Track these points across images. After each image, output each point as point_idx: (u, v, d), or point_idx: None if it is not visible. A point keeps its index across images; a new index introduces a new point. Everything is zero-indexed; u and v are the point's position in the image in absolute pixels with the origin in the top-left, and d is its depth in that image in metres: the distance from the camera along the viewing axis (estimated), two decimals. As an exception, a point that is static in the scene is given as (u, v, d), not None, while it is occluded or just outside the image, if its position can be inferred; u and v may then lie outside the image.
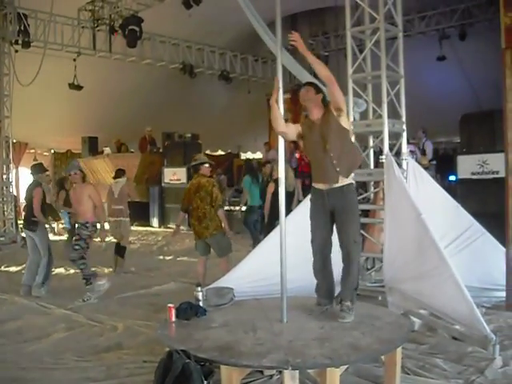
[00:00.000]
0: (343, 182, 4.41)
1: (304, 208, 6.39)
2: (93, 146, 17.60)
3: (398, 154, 6.36)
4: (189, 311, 4.57)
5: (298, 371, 3.54)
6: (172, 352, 3.49)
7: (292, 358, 3.50)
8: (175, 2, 12.79)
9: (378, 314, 4.59)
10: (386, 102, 5.97)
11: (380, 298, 6.20)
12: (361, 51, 6.42)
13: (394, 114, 6.29)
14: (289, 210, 7.70)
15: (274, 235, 6.32)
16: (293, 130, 4.62)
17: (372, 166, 6.53)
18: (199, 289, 4.87)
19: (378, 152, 6.46)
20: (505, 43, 5.71)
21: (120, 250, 9.27)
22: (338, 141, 4.40)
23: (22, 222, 9.51)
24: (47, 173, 8.03)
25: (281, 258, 4.51)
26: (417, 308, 5.49)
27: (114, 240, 9.55)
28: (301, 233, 6.05)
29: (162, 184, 16.14)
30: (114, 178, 9.56)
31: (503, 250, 6.52)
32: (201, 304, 4.79)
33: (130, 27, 12.68)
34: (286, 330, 4.14)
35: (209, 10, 13.81)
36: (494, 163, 10.01)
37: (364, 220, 6.48)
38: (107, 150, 16.92)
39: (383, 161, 6.05)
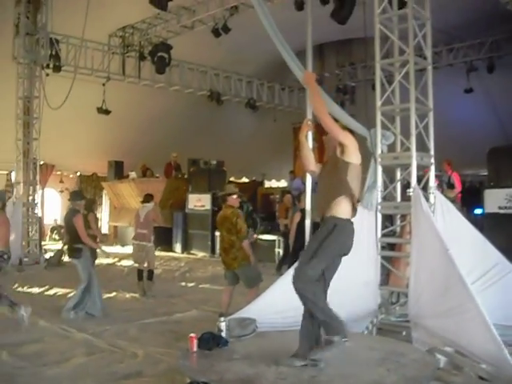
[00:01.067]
0: (330, 213, 4.36)
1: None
2: (119, 170, 17.80)
3: (424, 188, 6.28)
4: (211, 341, 4.55)
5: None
6: (193, 383, 3.45)
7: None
8: (204, 30, 12.98)
9: (402, 351, 4.52)
10: (415, 135, 5.92)
11: (404, 334, 6.06)
12: (389, 83, 6.40)
13: (421, 146, 6.24)
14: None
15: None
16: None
17: (399, 199, 6.46)
18: (222, 319, 4.84)
19: (406, 185, 6.39)
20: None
21: (148, 273, 9.39)
22: (333, 174, 4.44)
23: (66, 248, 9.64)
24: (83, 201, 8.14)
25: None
26: (442, 345, 5.35)
27: (136, 265, 9.58)
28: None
29: (186, 210, 16.17)
30: (142, 202, 9.65)
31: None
32: (223, 334, 4.75)
33: (159, 54, 12.90)
34: (309, 366, 4.06)
35: (237, 39, 13.99)
36: (523, 200, 9.87)
37: (390, 253, 6.41)
38: (133, 174, 17.08)
39: (411, 194, 5.97)
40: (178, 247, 16.44)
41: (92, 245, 7.74)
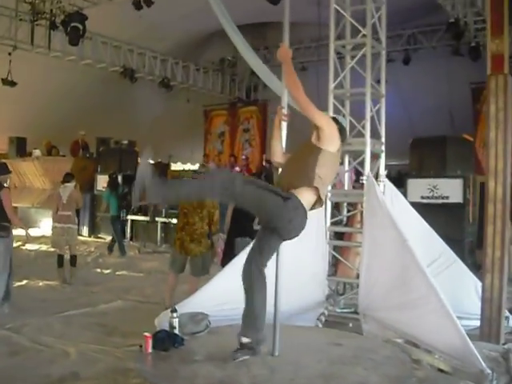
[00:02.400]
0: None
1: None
2: (21, 147, 16.40)
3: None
4: (166, 341, 4.09)
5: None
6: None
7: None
8: (123, 1, 12.15)
9: (370, 347, 4.31)
10: (369, 121, 5.73)
11: (351, 325, 5.91)
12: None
13: (371, 133, 6.06)
14: (251, 228, 7.36)
15: (243, 256, 5.93)
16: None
17: (346, 187, 6.27)
18: (175, 315, 4.38)
19: (357, 172, 6.22)
20: (490, 70, 5.60)
21: (72, 259, 8.79)
22: (302, 158, 4.14)
23: None
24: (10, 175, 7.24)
25: (276, 285, 4.12)
26: (395, 337, 5.23)
27: (52, 249, 8.82)
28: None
29: (95, 191, 15.30)
30: (63, 182, 8.93)
31: (474, 277, 6.46)
32: (176, 332, 4.31)
33: (73, 24, 11.89)
34: (282, 366, 3.75)
35: (155, 15, 13.26)
36: (444, 188, 10.12)
37: (340, 243, 6.22)
38: (37, 152, 15.83)
39: (364, 182, 5.78)
40: (84, 230, 15.50)
41: (21, 225, 6.95)
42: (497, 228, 5.63)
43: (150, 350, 3.99)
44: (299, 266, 5.75)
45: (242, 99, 20.02)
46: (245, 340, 3.88)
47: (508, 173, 5.64)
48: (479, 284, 6.36)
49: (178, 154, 21.84)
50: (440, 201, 10.04)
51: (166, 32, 15.61)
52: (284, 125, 4.58)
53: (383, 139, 6.08)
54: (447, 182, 10.05)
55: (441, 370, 4.72)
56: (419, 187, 10.14)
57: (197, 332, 4.52)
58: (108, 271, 10.05)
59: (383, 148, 6.11)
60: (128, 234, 14.61)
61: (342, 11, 5.93)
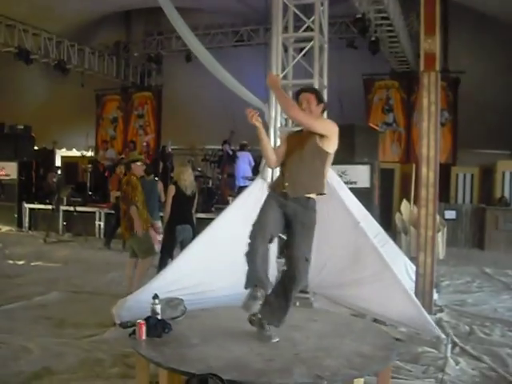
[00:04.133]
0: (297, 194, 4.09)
1: (230, 213, 6.25)
2: None
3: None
4: (159, 328, 4.14)
5: (329, 385, 3.41)
6: (206, 377, 3.12)
7: (319, 372, 3.36)
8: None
9: (343, 321, 4.65)
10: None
11: (298, 304, 6.25)
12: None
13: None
14: (191, 216, 7.45)
15: (198, 242, 6.05)
16: (281, 155, 4.29)
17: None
18: (157, 301, 4.42)
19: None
20: (423, 67, 6.14)
21: None
22: (311, 159, 4.10)
23: None
24: None
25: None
26: (347, 313, 5.65)
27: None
28: (225, 241, 5.94)
29: (-16, 180, 14.41)
30: None
31: (404, 257, 7.07)
32: (159, 318, 4.36)
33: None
34: (278, 343, 3.95)
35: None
36: (352, 174, 10.78)
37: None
38: None
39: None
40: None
41: None
42: (429, 210, 6.22)
43: (144, 337, 4.01)
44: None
45: (136, 84, 19.67)
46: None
47: (438, 160, 6.26)
48: (408, 262, 7.01)
49: (66, 140, 20.99)
50: (349, 186, 10.67)
51: (59, 12, 14.97)
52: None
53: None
54: (355, 168, 10.72)
55: (397, 339, 5.21)
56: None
57: (176, 317, 4.57)
58: (22, 262, 9.64)
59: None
60: (26, 224, 14.00)
61: (288, 4, 6.16)
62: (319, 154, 4.08)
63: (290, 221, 4.12)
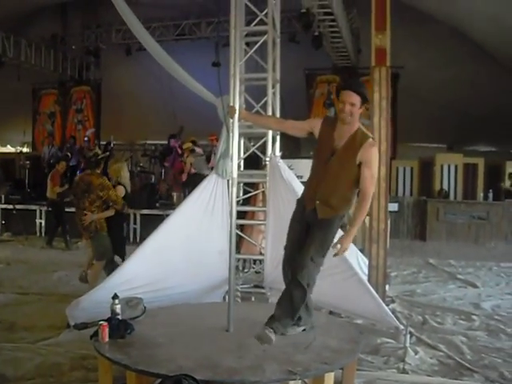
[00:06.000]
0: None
1: (184, 209, 6.14)
2: None
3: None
4: (121, 328, 4.02)
5: (300, 381, 3.41)
6: (180, 378, 3.05)
7: (291, 367, 3.36)
8: None
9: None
10: (271, 105, 6.05)
11: (253, 299, 6.26)
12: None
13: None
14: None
15: (150, 240, 5.92)
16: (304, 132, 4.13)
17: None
18: (117, 301, 4.30)
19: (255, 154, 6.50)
20: (374, 62, 6.23)
21: None
22: (342, 175, 3.88)
23: None
24: None
25: (229, 264, 4.28)
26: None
27: None
28: (180, 236, 5.85)
29: None
30: None
31: (356, 249, 7.17)
32: (120, 318, 4.25)
33: None
34: (245, 340, 3.92)
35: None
36: (298, 168, 10.87)
37: (245, 222, 6.48)
38: None
39: (267, 163, 6.10)
40: None
41: None
42: (381, 203, 6.33)
43: (106, 338, 3.88)
44: (207, 245, 5.94)
45: (74, 78, 19.10)
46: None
47: (388, 154, 6.38)
48: (360, 254, 7.12)
49: (4, 135, 20.20)
50: (296, 180, 10.80)
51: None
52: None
53: (280, 122, 6.41)
54: (301, 162, 10.81)
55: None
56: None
57: (136, 317, 4.45)
58: (-39, 264, 9.18)
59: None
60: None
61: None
62: (353, 173, 3.85)
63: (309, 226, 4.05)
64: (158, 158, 15.29)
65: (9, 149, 19.51)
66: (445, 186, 13.21)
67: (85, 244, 6.74)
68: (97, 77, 19.40)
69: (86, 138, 15.72)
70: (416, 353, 4.79)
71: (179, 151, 13.12)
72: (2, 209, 13.00)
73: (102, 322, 3.94)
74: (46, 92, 19.20)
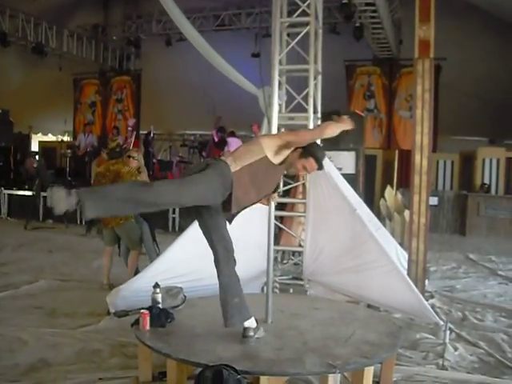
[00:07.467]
0: None
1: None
2: None
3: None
4: (162, 317, 4.08)
5: (339, 374, 3.41)
6: (221, 369, 3.07)
7: (331, 360, 3.35)
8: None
9: (345, 309, 4.64)
10: (313, 97, 6.01)
11: (291, 291, 6.26)
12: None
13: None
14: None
15: (191, 229, 5.97)
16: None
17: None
18: (158, 290, 4.37)
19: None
20: (418, 54, 6.13)
21: None
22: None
23: None
24: None
25: (268, 256, 4.30)
26: (343, 300, 5.65)
27: None
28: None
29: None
30: None
31: (394, 241, 7.12)
32: (161, 307, 4.31)
33: None
34: (284, 332, 3.94)
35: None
36: (337, 160, 10.77)
37: (284, 213, 6.48)
38: None
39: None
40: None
41: None
42: (422, 197, 6.25)
43: (147, 327, 3.95)
44: (245, 236, 5.94)
45: (115, 68, 19.35)
46: None
47: (431, 148, 6.28)
48: (399, 248, 7.06)
49: (42, 125, 20.62)
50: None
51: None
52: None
53: (319, 114, 6.38)
54: (340, 154, 10.73)
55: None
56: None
57: (176, 306, 4.52)
58: (4, 250, 9.42)
59: (319, 122, 6.42)
60: (5, 210, 13.73)
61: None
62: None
63: None
64: (196, 148, 15.40)
65: (50, 137, 19.93)
66: (486, 180, 12.93)
67: (104, 233, 6.75)
68: (137, 67, 19.61)
69: (129, 128, 15.91)
70: (455, 349, 4.72)
71: (215, 139, 13.19)
72: (44, 196, 13.26)
73: (143, 311, 4.01)
74: (87, 82, 19.48)
